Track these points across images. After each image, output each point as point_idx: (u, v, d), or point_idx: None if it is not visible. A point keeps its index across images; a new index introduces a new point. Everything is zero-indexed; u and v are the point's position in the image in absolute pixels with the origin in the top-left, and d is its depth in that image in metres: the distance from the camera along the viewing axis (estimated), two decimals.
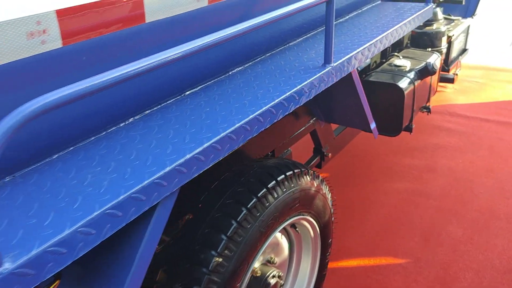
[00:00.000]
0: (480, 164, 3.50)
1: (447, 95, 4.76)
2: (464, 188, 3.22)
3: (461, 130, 4.02)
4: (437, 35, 3.28)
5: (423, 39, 3.32)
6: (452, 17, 3.95)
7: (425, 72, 2.79)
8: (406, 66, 2.88)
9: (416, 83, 2.76)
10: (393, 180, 3.35)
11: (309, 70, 1.81)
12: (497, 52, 6.02)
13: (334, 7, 1.72)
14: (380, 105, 2.73)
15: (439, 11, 3.37)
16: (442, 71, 3.80)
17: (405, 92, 2.62)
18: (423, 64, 2.86)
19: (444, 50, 3.42)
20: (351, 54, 1.97)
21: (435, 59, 2.93)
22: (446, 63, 3.82)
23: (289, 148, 2.42)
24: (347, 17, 2.62)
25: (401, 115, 2.68)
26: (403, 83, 2.65)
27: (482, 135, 3.93)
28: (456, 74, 3.75)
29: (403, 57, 3.02)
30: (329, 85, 1.83)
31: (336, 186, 3.08)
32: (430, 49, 3.29)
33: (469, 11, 4.26)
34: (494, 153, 3.64)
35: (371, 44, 2.13)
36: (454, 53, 3.87)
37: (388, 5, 2.84)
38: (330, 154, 2.70)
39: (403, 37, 2.79)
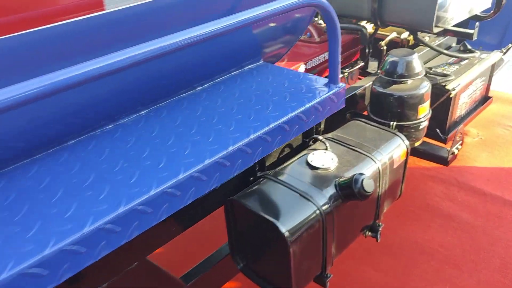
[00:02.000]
0: None
1: (465, 148, 3.34)
2: None
3: (468, 221, 2.66)
4: (409, 102, 1.98)
5: (388, 103, 2.04)
6: (461, 55, 2.56)
7: (349, 194, 1.55)
8: (328, 168, 1.66)
9: (333, 212, 1.54)
10: None
11: None
12: None
13: None
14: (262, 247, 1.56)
15: (416, 59, 2.03)
16: (437, 140, 2.47)
17: (291, 242, 1.42)
18: (352, 172, 1.62)
19: (425, 123, 2.10)
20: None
21: (377, 166, 1.67)
22: (443, 130, 2.47)
23: None
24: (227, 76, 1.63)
25: (289, 277, 1.49)
26: (291, 223, 1.44)
27: (500, 235, 2.56)
28: (457, 150, 2.40)
29: (330, 146, 1.78)
30: None
31: None
32: (394, 124, 2.00)
33: (505, 40, 2.82)
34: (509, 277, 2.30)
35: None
36: (458, 113, 2.51)
37: (275, 71, 1.69)
38: None
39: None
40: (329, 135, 1.91)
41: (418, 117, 2.01)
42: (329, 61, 1.59)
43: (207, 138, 1.34)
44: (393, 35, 2.67)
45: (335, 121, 2.17)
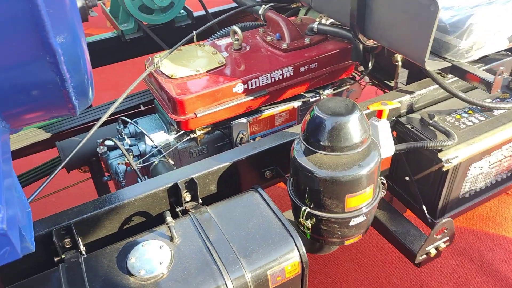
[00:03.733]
0: None
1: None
2: None
3: None
4: (329, 187, 1.24)
5: (303, 178, 1.31)
6: (492, 105, 1.65)
7: None
8: (145, 279, 1.10)
9: None
10: None
11: None
12: None
13: None
14: None
15: (356, 121, 1.20)
16: (423, 221, 1.71)
17: None
18: None
19: (360, 219, 1.33)
20: None
21: None
22: (433, 211, 1.67)
23: None
24: None
25: None
26: None
27: None
28: (437, 250, 1.58)
29: (183, 234, 1.18)
30: None
31: None
32: (306, 211, 1.29)
33: None
34: None
35: None
36: (464, 189, 1.67)
37: None
38: None
39: None
40: (210, 208, 1.30)
41: (346, 210, 1.27)
42: None
43: None
44: None
45: (246, 178, 1.52)
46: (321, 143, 1.21)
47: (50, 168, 2.02)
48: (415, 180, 1.69)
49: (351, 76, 2.09)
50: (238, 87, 1.72)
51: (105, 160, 1.87)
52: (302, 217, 1.32)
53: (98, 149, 1.84)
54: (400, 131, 1.69)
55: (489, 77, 1.36)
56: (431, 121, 1.61)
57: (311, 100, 1.95)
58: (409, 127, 1.65)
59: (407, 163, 1.71)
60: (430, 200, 1.68)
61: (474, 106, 1.68)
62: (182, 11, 2.43)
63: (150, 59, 1.83)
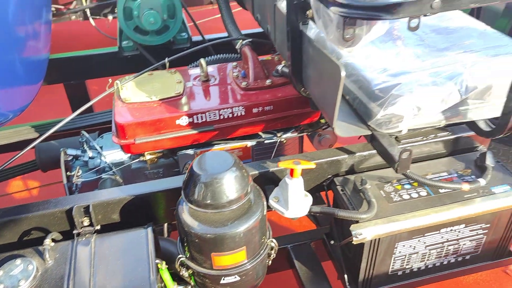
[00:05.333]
0: None
1: None
2: None
3: None
4: (194, 241, 1.21)
5: (179, 225, 1.29)
6: (450, 185, 1.50)
7: None
8: None
9: None
10: None
11: None
12: None
13: None
14: None
15: (229, 180, 1.15)
16: None
17: None
18: None
19: (233, 279, 1.27)
20: None
21: None
22: (354, 282, 1.55)
23: None
24: None
25: None
26: None
27: None
28: None
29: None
30: None
31: None
32: (180, 260, 1.28)
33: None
34: None
35: None
36: (395, 266, 1.54)
37: None
38: None
39: None
40: (98, 237, 1.34)
41: (214, 267, 1.23)
42: None
43: None
44: None
45: None
46: (189, 197, 1.19)
47: (27, 168, 2.20)
48: (342, 245, 1.58)
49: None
50: (182, 120, 1.74)
51: (70, 168, 2.00)
52: (176, 264, 1.30)
53: (62, 158, 1.97)
54: (333, 190, 1.59)
55: (395, 154, 1.23)
56: (361, 187, 1.50)
57: (266, 141, 1.91)
58: (339, 189, 1.55)
59: (335, 226, 1.61)
60: (352, 270, 1.55)
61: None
62: (184, 33, 2.51)
63: (116, 81, 1.93)
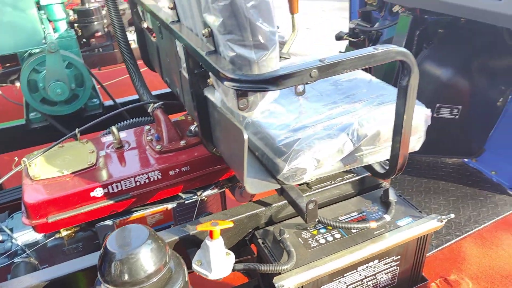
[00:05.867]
0: None
1: None
2: None
3: None
4: None
5: None
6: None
7: None
8: None
9: None
10: None
11: None
12: None
13: None
14: None
15: (146, 255, 1.17)
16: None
17: None
18: None
19: None
20: None
21: None
22: None
23: None
24: None
25: None
26: None
27: None
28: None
29: None
30: None
31: None
32: None
33: None
34: None
35: None
36: None
37: None
38: None
39: None
40: None
41: None
42: None
43: None
44: None
45: None
46: (105, 277, 1.17)
47: None
48: None
49: None
50: (97, 192, 1.71)
51: None
52: None
53: None
54: (255, 244, 1.64)
55: (303, 207, 1.32)
56: (280, 238, 1.56)
57: (187, 201, 1.92)
58: (261, 242, 1.60)
59: (262, 278, 1.64)
60: None
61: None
62: (95, 99, 2.50)
63: (23, 159, 1.85)
